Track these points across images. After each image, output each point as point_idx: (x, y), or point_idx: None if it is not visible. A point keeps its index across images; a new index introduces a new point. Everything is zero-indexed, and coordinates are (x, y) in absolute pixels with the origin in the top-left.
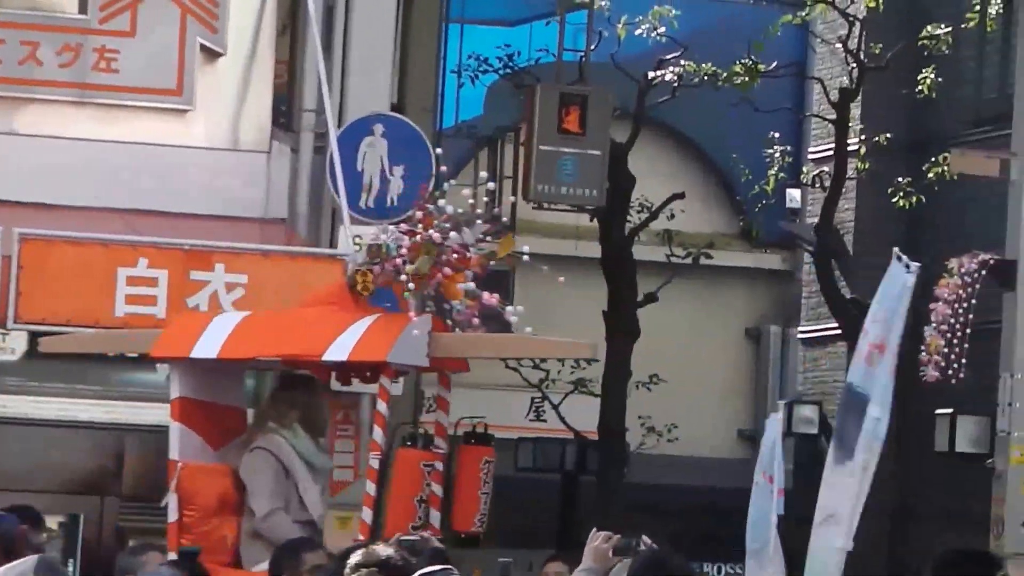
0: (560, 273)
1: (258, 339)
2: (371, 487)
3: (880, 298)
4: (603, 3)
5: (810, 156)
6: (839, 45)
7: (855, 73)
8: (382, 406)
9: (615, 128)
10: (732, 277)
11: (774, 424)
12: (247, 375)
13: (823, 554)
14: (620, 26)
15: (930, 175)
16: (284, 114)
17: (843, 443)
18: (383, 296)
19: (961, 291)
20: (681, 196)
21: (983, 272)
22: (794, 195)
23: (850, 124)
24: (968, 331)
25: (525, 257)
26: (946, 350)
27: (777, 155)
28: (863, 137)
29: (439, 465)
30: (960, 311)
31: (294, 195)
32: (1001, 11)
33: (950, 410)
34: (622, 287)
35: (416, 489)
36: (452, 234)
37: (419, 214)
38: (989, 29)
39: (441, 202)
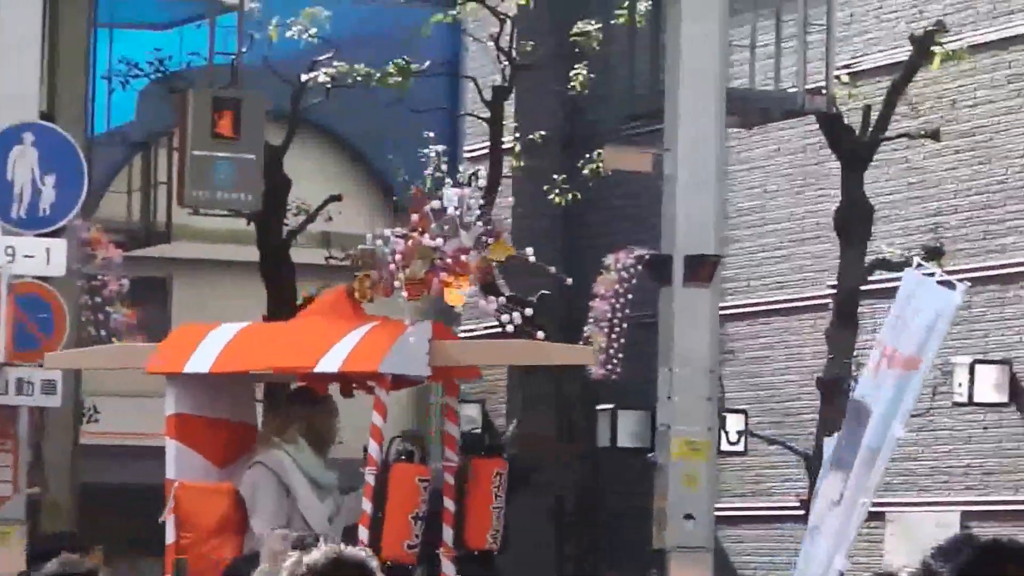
0: (219, 278)
1: (252, 352)
2: (367, 505)
3: (901, 310)
4: (253, 5)
5: (466, 155)
6: (491, 43)
7: (508, 71)
8: (377, 419)
9: (270, 131)
10: None
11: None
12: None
13: (814, 565)
14: (272, 28)
15: (585, 171)
16: None
17: (842, 458)
18: (36, 306)
19: (618, 286)
20: (338, 198)
21: (639, 267)
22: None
23: (504, 122)
24: (626, 326)
25: (531, 258)
26: (605, 346)
27: (433, 155)
28: (518, 135)
29: (449, 478)
30: (618, 307)
31: None
32: (650, 7)
33: (611, 405)
34: (281, 290)
35: (412, 505)
36: (439, 239)
37: (414, 216)
38: (639, 25)
39: (436, 203)
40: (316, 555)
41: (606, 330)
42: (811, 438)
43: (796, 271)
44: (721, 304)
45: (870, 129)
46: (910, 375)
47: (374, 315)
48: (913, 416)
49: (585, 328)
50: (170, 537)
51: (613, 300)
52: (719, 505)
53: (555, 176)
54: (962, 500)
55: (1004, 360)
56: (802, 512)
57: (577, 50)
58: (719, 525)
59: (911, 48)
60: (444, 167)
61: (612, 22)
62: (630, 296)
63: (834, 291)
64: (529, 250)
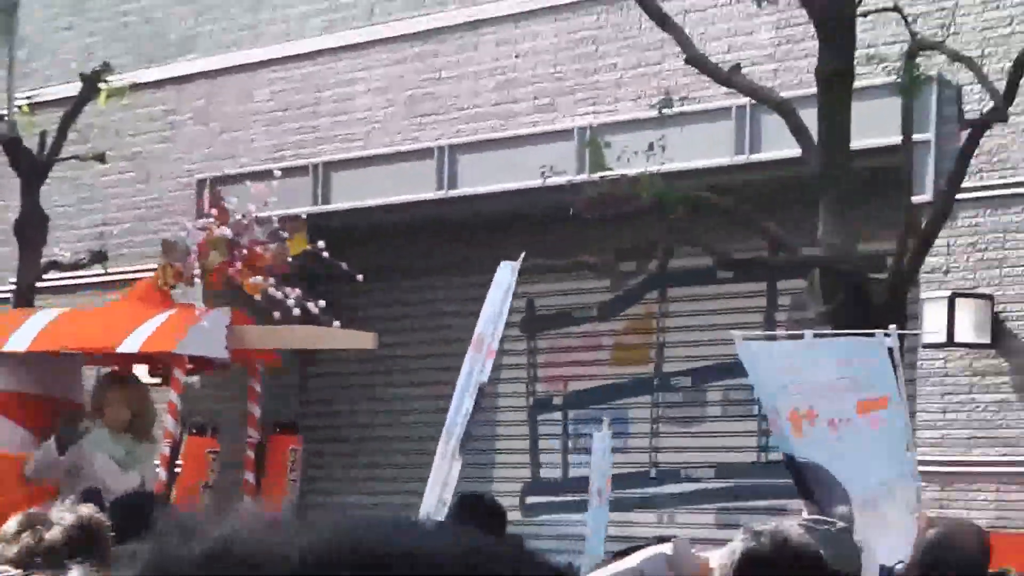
0: None
1: (66, 333)
2: (162, 473)
3: (489, 299)
4: None
5: None
6: None
7: None
8: (174, 396)
9: None
10: None
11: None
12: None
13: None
14: None
15: None
16: None
17: (451, 433)
18: None
19: None
20: None
21: None
22: None
23: None
24: None
25: (324, 254)
26: None
27: None
28: None
29: (250, 453)
30: None
31: None
32: None
33: None
34: None
35: (201, 475)
36: (226, 230)
37: (214, 211)
38: None
39: (235, 199)
40: (55, 530)
41: None
42: None
43: None
44: None
45: (46, 152)
46: (478, 356)
47: (181, 303)
48: None
49: None
50: None
51: None
52: None
53: None
54: None
55: None
56: None
57: None
58: None
59: (82, 84)
60: None
61: None
62: None
63: (14, 288)
64: (321, 243)
